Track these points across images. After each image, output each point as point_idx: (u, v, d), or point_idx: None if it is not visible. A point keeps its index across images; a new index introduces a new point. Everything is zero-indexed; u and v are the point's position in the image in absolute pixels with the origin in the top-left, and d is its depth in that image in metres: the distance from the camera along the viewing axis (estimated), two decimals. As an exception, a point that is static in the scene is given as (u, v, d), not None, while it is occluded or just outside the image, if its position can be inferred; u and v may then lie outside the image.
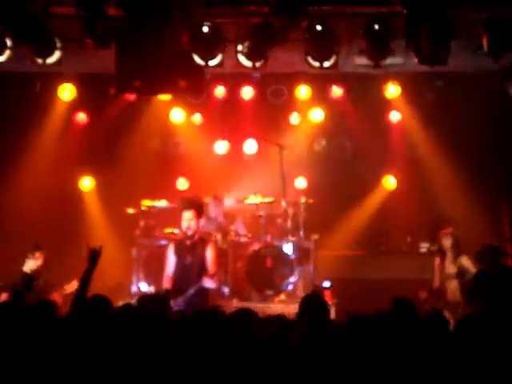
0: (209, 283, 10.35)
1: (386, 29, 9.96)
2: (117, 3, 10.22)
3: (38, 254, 10.96)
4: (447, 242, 11.20)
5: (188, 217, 10.44)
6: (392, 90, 13.97)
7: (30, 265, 10.91)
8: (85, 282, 7.22)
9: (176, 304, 9.77)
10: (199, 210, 10.57)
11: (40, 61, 10.34)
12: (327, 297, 12.17)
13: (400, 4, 9.74)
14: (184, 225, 10.48)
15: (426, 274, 11.95)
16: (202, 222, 11.60)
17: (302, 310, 6.54)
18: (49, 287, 10.73)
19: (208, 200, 13.03)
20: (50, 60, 10.35)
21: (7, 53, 10.23)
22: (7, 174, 13.40)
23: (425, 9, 9.55)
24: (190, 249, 10.51)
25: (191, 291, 10.20)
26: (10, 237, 12.52)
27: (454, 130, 13.72)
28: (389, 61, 10.47)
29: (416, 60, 10.16)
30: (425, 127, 14.04)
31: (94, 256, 7.47)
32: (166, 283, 10.48)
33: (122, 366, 5.59)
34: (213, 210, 13.15)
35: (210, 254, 10.49)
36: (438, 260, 11.34)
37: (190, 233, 10.49)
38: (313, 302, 6.59)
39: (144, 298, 7.18)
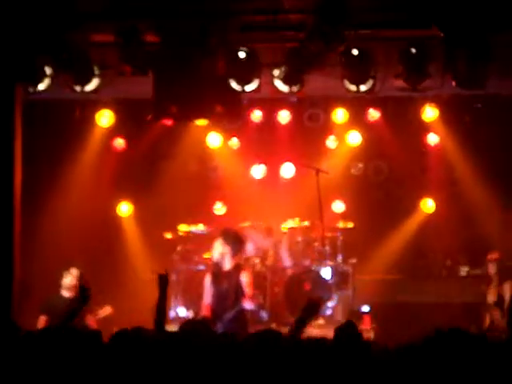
0: (248, 304, 10.35)
1: (423, 52, 9.95)
2: (154, 30, 10.32)
3: (72, 271, 11.05)
4: (492, 269, 11.11)
5: (220, 250, 10.45)
6: (429, 113, 13.90)
7: (66, 282, 10.99)
8: (161, 310, 7.03)
9: (218, 328, 9.80)
10: (235, 243, 10.56)
11: (78, 88, 10.45)
12: (366, 321, 12.11)
13: (437, 28, 9.72)
14: (215, 255, 10.51)
15: (466, 298, 11.86)
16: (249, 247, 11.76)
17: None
18: (84, 310, 10.75)
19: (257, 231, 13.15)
20: (89, 87, 10.46)
21: (46, 81, 10.34)
22: (47, 199, 13.48)
23: (462, 32, 9.51)
24: (227, 275, 10.52)
25: (230, 315, 10.20)
26: (48, 261, 12.59)
27: (492, 153, 13.62)
28: (426, 84, 10.43)
29: (453, 83, 10.13)
30: (463, 149, 13.94)
31: (164, 281, 7.25)
32: (204, 311, 10.50)
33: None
34: (262, 242, 13.17)
35: (245, 279, 10.49)
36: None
37: (226, 263, 10.52)
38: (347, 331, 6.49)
39: (186, 323, 7.14)
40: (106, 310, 10.99)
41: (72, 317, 7.08)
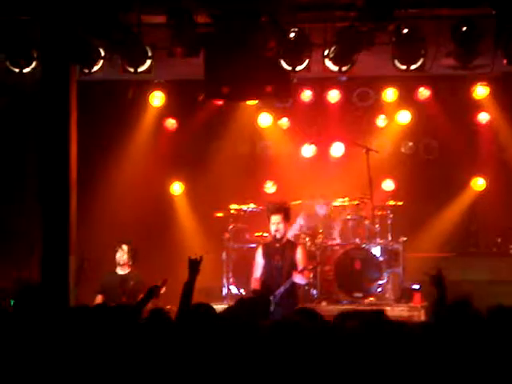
0: (299, 278, 10.45)
1: (474, 30, 9.88)
2: (205, 11, 10.42)
3: (124, 246, 11.24)
4: None
5: (276, 220, 10.56)
6: (480, 91, 13.87)
7: (119, 257, 11.20)
8: (187, 294, 7.07)
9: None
10: (286, 213, 10.68)
11: (132, 69, 10.58)
12: (416, 299, 12.16)
13: (488, 5, 9.68)
14: (273, 228, 10.60)
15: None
16: (300, 221, 11.80)
17: None
18: (140, 289, 10.91)
19: (314, 201, 13.26)
20: (141, 68, 10.57)
21: (100, 62, 10.49)
22: (101, 178, 13.73)
23: (513, 9, 9.48)
24: (280, 251, 10.61)
25: (282, 289, 10.31)
26: (103, 238, 12.82)
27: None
28: (477, 62, 10.39)
29: (505, 61, 10.08)
30: (514, 128, 13.89)
31: (195, 266, 7.37)
32: (254, 285, 10.60)
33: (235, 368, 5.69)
34: (320, 210, 13.25)
35: (300, 254, 10.58)
36: None
37: (278, 236, 10.60)
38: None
39: (239, 303, 7.21)
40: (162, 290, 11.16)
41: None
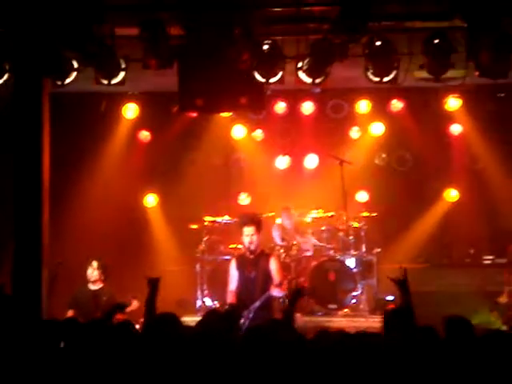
0: (276, 292, 10.42)
1: (446, 43, 9.94)
2: (179, 23, 10.41)
3: (93, 263, 11.18)
4: None
5: (250, 232, 10.52)
6: (453, 103, 13.98)
7: (89, 274, 11.14)
8: (149, 310, 7.46)
9: (243, 317, 9.89)
10: (259, 225, 10.65)
11: (105, 81, 10.54)
12: (391, 310, 12.16)
13: (460, 18, 9.74)
14: (246, 240, 10.55)
15: (489, 287, 11.90)
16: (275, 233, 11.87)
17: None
18: (113, 304, 10.86)
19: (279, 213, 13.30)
20: (115, 81, 10.53)
21: (74, 74, 10.45)
22: (73, 191, 13.65)
23: (484, 22, 9.53)
24: (253, 262, 10.56)
25: (258, 303, 10.27)
26: (75, 254, 12.73)
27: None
28: (449, 74, 10.46)
29: (476, 73, 10.15)
30: (486, 139, 13.98)
31: (153, 285, 7.69)
32: (230, 298, 10.56)
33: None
34: (285, 221, 13.29)
35: (273, 265, 10.54)
36: (506, 274, 11.30)
37: (253, 247, 10.56)
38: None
39: (210, 314, 7.26)
40: (133, 306, 11.10)
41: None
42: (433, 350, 5.84)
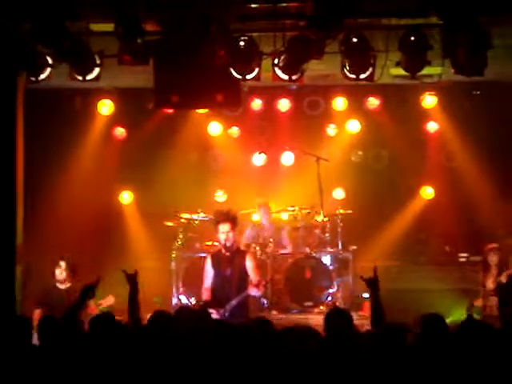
0: (254, 291, 10.39)
1: (422, 40, 9.93)
2: (154, 19, 10.34)
3: (61, 263, 11.07)
4: (494, 258, 11.24)
5: (225, 229, 10.46)
6: (429, 100, 14.01)
7: (57, 274, 11.04)
8: (132, 305, 7.46)
9: (219, 315, 9.86)
10: (234, 221, 10.60)
11: (80, 77, 10.46)
12: (367, 308, 12.18)
13: (435, 15, 9.74)
14: (222, 237, 10.49)
15: (465, 284, 11.93)
16: (248, 231, 11.84)
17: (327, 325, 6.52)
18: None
19: (257, 209, 13.29)
20: (90, 76, 10.45)
21: (48, 70, 10.35)
22: (48, 188, 13.55)
23: (461, 19, 9.53)
24: (229, 260, 10.51)
25: (235, 301, 10.22)
26: (48, 251, 12.63)
27: (491, 139, 13.69)
28: (425, 71, 10.46)
29: (453, 70, 10.16)
30: (462, 137, 14.03)
31: (132, 280, 7.68)
32: (205, 295, 10.51)
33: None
34: (263, 217, 13.27)
35: (249, 263, 10.50)
36: (481, 275, 11.34)
37: (228, 244, 10.51)
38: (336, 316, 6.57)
39: (181, 311, 7.26)
40: (108, 300, 11.03)
41: (73, 314, 7.20)
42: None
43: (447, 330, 6.37)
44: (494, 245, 11.87)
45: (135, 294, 7.54)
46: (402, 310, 11.78)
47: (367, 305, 12.10)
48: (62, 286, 11.06)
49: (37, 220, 12.71)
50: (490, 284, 11.47)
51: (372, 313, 7.18)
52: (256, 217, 13.49)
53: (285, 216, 13.71)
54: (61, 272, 11.03)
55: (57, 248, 12.22)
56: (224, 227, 10.44)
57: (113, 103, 14.11)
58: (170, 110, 13.48)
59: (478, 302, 11.65)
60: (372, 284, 7.29)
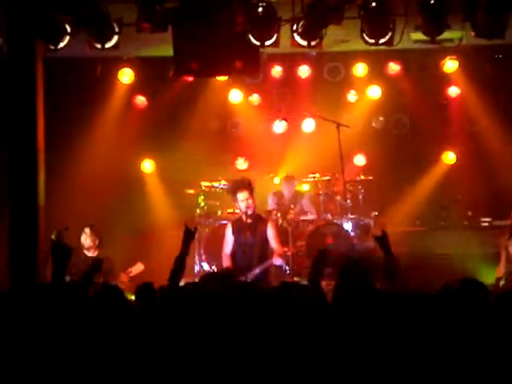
0: (278, 261, 10.45)
1: (442, 3, 9.86)
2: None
3: (86, 230, 11.16)
4: None
5: (245, 196, 10.49)
6: (450, 65, 13.90)
7: (82, 241, 11.14)
8: (178, 268, 6.86)
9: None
10: (251, 188, 10.61)
11: (99, 46, 10.47)
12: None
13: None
14: (243, 205, 10.51)
15: (487, 249, 11.90)
16: (270, 199, 11.88)
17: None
18: (113, 269, 10.87)
19: (280, 180, 13.38)
20: (108, 44, 10.46)
21: (67, 39, 10.37)
22: (70, 157, 13.59)
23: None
24: (251, 227, 10.54)
25: (258, 270, 10.27)
26: (71, 219, 12.70)
27: (512, 103, 13.61)
28: (445, 35, 10.37)
29: (473, 34, 10.07)
30: (484, 101, 13.93)
31: (189, 236, 7.16)
32: (226, 262, 10.55)
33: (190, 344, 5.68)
34: (286, 190, 13.28)
35: (271, 231, 10.52)
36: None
37: (250, 212, 10.54)
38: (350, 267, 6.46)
39: (207, 276, 7.19)
40: (138, 268, 11.05)
41: (179, 266, 6.85)
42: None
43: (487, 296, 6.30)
44: None
45: (185, 253, 7.01)
46: (424, 275, 11.84)
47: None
48: (88, 254, 11.16)
49: (58, 189, 12.72)
50: None
51: (385, 268, 7.03)
52: (277, 180, 13.49)
53: (306, 187, 13.74)
54: (85, 238, 11.15)
55: (78, 217, 12.29)
56: (243, 195, 10.47)
57: (133, 72, 14.10)
58: (190, 78, 13.48)
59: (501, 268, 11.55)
60: (381, 241, 7.13)
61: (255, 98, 14.72)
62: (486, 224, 13.53)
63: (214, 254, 12.48)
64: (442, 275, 10.88)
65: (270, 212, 12.75)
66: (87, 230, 11.18)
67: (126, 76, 14.12)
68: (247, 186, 10.51)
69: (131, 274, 10.89)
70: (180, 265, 6.90)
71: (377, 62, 14.11)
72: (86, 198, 13.49)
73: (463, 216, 14.01)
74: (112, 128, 14.06)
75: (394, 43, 10.32)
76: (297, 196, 13.37)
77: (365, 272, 6.33)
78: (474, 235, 13.23)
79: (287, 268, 12.44)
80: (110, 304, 5.84)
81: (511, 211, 11.50)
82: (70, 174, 13.48)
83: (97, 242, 11.17)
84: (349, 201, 13.01)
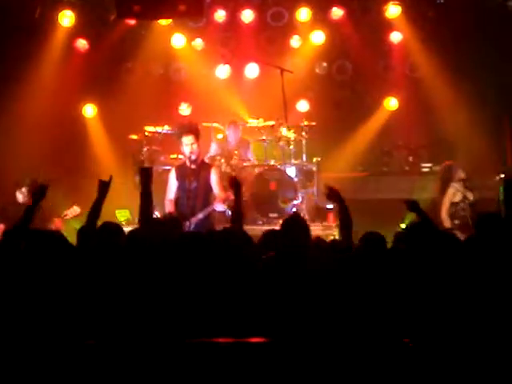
0: (220, 207, 10.43)
1: None
2: None
3: (23, 189, 10.95)
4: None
5: (190, 141, 10.37)
6: (393, 10, 13.92)
7: (19, 199, 10.95)
8: (93, 212, 7.14)
9: (184, 227, 9.86)
10: (197, 133, 10.51)
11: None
12: (330, 218, 12.35)
13: None
14: (187, 149, 10.40)
15: (427, 194, 12.06)
16: (213, 146, 11.81)
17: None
18: (49, 214, 10.66)
19: (225, 126, 13.24)
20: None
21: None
22: (7, 101, 13.35)
23: None
24: (194, 173, 10.45)
25: (201, 215, 10.24)
26: (9, 166, 12.52)
27: (455, 49, 13.67)
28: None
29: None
30: (426, 47, 13.99)
31: (104, 188, 7.31)
32: (168, 207, 10.48)
33: (137, 290, 5.71)
34: (231, 136, 13.23)
35: (214, 177, 10.45)
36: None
37: (194, 157, 10.44)
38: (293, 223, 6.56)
39: (154, 222, 7.21)
40: (74, 211, 10.91)
41: (28, 216, 7.02)
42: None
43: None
44: (448, 162, 11.83)
45: (101, 201, 7.23)
46: (366, 220, 11.97)
47: (331, 215, 12.26)
48: (21, 201, 10.95)
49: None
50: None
51: (340, 222, 7.20)
52: (220, 136, 13.43)
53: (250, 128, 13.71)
54: (23, 197, 10.91)
55: (20, 164, 12.12)
56: (187, 139, 10.35)
57: (74, 14, 13.83)
58: (133, 21, 13.30)
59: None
60: (333, 197, 7.31)
61: (198, 42, 14.57)
62: (427, 169, 13.72)
63: (157, 200, 12.34)
64: (383, 220, 11.08)
65: (213, 158, 12.73)
66: (24, 190, 10.93)
67: (67, 18, 13.85)
68: (194, 130, 10.41)
69: (67, 217, 10.76)
70: (95, 211, 7.17)
71: (320, 6, 14.07)
72: (26, 144, 13.29)
73: (404, 161, 14.18)
74: (52, 72, 13.81)
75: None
76: (243, 142, 13.33)
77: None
78: (414, 180, 13.38)
79: (230, 214, 12.46)
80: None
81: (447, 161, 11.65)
82: (8, 120, 13.25)
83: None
84: (292, 146, 13.02)
